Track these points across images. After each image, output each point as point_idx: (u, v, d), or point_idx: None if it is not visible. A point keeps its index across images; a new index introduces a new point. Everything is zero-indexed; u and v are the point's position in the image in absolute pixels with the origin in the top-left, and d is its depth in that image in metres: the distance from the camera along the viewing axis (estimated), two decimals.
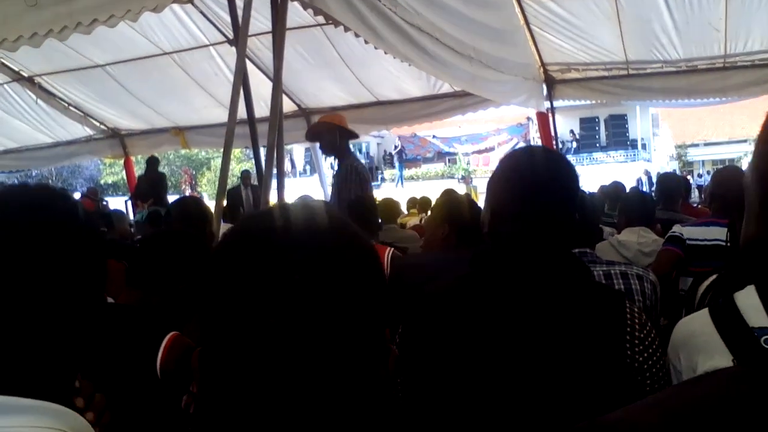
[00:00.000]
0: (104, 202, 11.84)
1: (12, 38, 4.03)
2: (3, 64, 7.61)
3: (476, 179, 19.86)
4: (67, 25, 3.91)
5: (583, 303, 1.37)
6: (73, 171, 28.91)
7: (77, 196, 13.68)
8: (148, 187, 10.15)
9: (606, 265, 2.41)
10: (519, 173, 1.48)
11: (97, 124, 9.38)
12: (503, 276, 1.42)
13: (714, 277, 2.07)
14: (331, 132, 4.99)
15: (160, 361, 1.92)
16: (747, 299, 1.39)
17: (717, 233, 3.22)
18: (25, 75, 8.05)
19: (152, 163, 10.83)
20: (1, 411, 0.79)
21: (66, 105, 8.74)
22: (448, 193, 6.50)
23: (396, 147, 26.07)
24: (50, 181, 24.92)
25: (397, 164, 25.99)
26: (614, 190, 7.01)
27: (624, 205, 3.98)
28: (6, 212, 0.88)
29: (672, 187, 4.95)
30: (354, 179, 4.83)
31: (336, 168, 5.07)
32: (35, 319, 0.87)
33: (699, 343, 1.44)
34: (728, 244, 1.69)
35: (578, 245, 2.40)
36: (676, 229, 3.43)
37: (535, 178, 1.45)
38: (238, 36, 4.41)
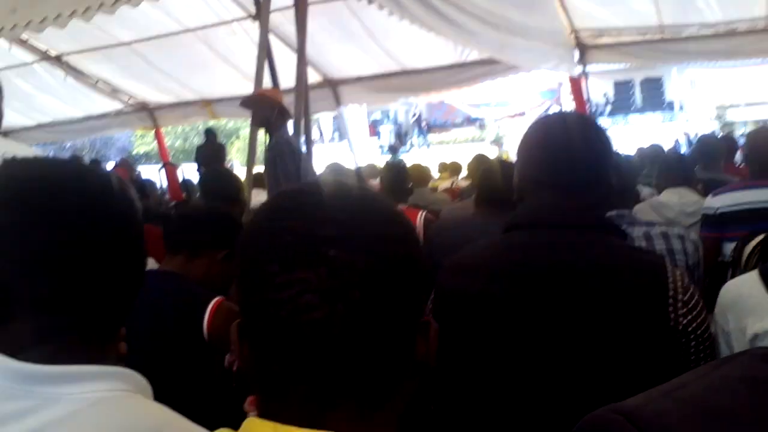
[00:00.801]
0: (137, 172, 11.99)
1: (38, 19, 4.07)
2: (30, 44, 7.64)
3: (507, 143, 19.63)
4: (90, 6, 3.93)
5: (622, 268, 1.33)
6: (106, 142, 29.24)
7: (111, 165, 13.90)
8: (212, 154, 10.20)
9: (645, 226, 2.37)
10: (549, 139, 1.47)
11: (126, 98, 9.44)
12: (537, 244, 1.40)
13: (761, 237, 2.05)
14: (267, 107, 4.73)
15: (207, 325, 1.98)
16: None
17: (752, 196, 3.15)
18: (53, 54, 8.10)
19: (211, 134, 10.89)
20: (73, 379, 0.84)
21: (94, 81, 8.80)
22: (479, 158, 6.48)
23: (414, 115, 25.86)
24: (84, 152, 25.31)
25: (416, 130, 25.82)
26: (653, 152, 6.86)
27: (663, 167, 3.92)
28: (42, 191, 0.90)
29: (712, 147, 4.85)
30: (286, 150, 4.60)
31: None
32: (90, 290, 0.91)
33: (748, 305, 1.43)
34: None
35: (616, 207, 2.36)
36: (708, 202, 3.35)
37: (566, 143, 1.43)
38: (261, 12, 4.37)
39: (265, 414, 0.72)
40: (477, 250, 1.50)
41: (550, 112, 22.62)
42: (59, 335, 0.88)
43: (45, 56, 8.09)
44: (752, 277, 1.47)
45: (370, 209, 0.75)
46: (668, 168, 3.86)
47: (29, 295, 0.87)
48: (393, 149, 13.53)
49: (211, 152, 10.42)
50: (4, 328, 0.88)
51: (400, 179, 4.20)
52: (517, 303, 1.34)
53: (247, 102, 4.97)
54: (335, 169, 6.55)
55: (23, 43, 7.36)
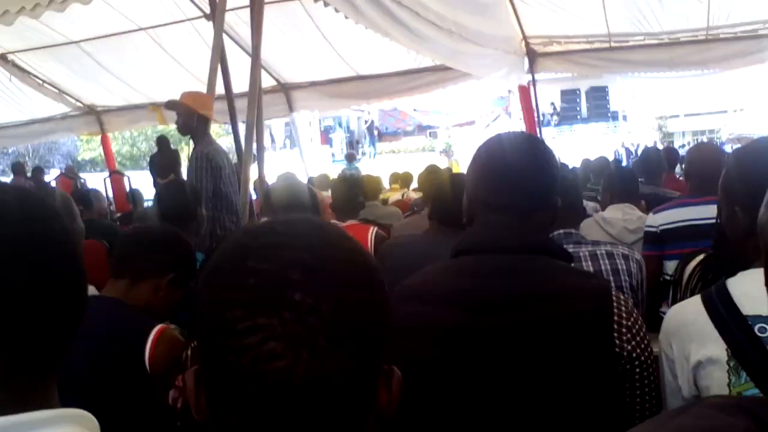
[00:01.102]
0: (82, 180, 11.70)
1: None
2: None
3: (457, 152, 19.83)
4: (39, 3, 3.83)
5: (568, 294, 1.34)
6: (50, 148, 28.49)
7: (55, 173, 13.54)
8: (168, 163, 9.92)
9: (591, 246, 2.39)
10: (496, 161, 1.47)
11: (73, 101, 9.23)
12: (484, 270, 1.39)
13: (701, 257, 2.06)
14: (188, 114, 4.48)
15: (149, 355, 1.87)
16: (740, 286, 1.38)
17: (693, 213, 3.21)
18: None
19: (164, 141, 10.62)
20: (29, 428, 0.77)
21: (40, 82, 8.58)
22: (431, 170, 6.53)
23: (366, 122, 25.89)
24: (27, 158, 24.59)
25: (367, 138, 25.83)
26: (599, 164, 7.02)
27: (608, 183, 3.97)
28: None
29: (653, 162, 4.97)
30: (204, 166, 4.29)
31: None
32: (31, 328, 0.81)
33: (692, 332, 1.43)
34: (718, 220, 1.68)
35: (563, 226, 2.38)
36: (649, 220, 3.42)
37: (513, 166, 1.43)
38: (215, 11, 4.35)
39: None
40: (427, 276, 1.48)
41: (500, 120, 22.83)
42: (5, 381, 0.80)
43: None
44: (695, 303, 1.46)
45: (336, 251, 0.71)
46: (612, 183, 3.91)
47: None
48: (350, 157, 13.42)
49: (165, 161, 10.05)
50: None
51: (353, 193, 4.17)
52: (465, 331, 1.33)
53: (171, 105, 4.86)
54: (287, 178, 6.51)
55: None
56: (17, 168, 10.95)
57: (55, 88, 8.84)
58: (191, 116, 4.36)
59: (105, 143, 10.65)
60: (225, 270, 0.69)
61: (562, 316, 1.30)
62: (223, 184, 4.38)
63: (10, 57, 8.01)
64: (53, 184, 10.61)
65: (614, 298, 1.34)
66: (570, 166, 8.28)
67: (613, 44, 7.24)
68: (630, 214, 3.65)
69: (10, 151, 24.41)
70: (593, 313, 1.31)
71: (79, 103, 9.34)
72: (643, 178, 4.58)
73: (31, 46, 7.64)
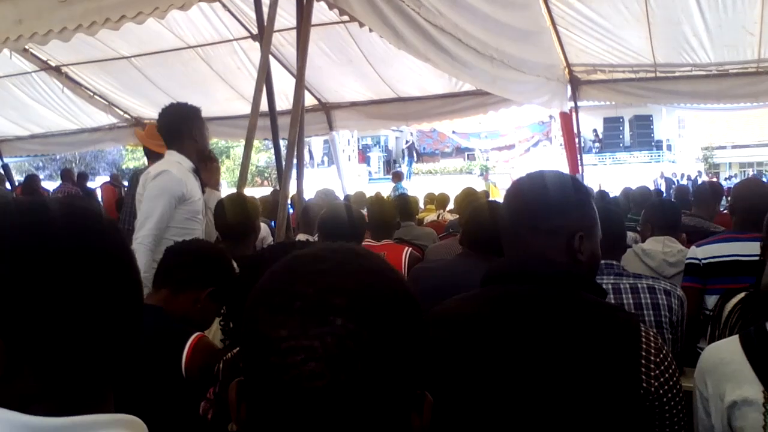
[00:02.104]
0: (126, 188, 11.95)
1: (42, 32, 4.10)
2: (32, 53, 7.68)
3: (495, 175, 19.75)
4: (95, 21, 3.95)
5: (595, 327, 1.34)
6: (96, 156, 29.18)
7: (100, 181, 13.84)
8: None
9: (633, 278, 2.38)
10: (527, 194, 1.50)
11: (121, 112, 9.47)
12: (512, 300, 1.40)
13: (742, 295, 2.04)
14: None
15: (185, 361, 1.96)
16: None
17: (736, 249, 3.16)
18: (53, 65, 8.15)
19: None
20: (82, 430, 0.82)
21: (91, 94, 8.84)
22: (468, 193, 6.53)
23: (407, 142, 25.87)
24: (74, 164, 25.19)
25: (406, 159, 25.79)
26: (641, 194, 6.91)
27: (649, 214, 3.91)
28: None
29: (707, 195, 4.94)
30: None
31: None
32: (91, 335, 0.87)
33: (728, 371, 1.42)
34: (762, 258, 1.67)
35: (605, 257, 2.38)
36: (691, 253, 3.37)
37: (542, 198, 1.46)
38: (263, 33, 4.44)
39: None
40: (455, 303, 1.50)
41: (540, 145, 22.68)
42: (64, 384, 0.85)
43: (45, 66, 8.14)
44: (733, 342, 1.46)
45: (379, 280, 0.75)
46: (653, 215, 3.86)
47: (33, 348, 0.83)
48: (396, 177, 13.02)
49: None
50: (9, 382, 0.83)
51: (389, 214, 4.20)
52: (489, 362, 1.35)
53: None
54: (326, 194, 6.61)
55: (24, 52, 7.41)
56: (65, 174, 11.24)
57: (105, 100, 9.09)
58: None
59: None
60: (273, 292, 0.74)
61: (586, 349, 1.30)
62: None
63: (64, 69, 8.27)
64: (98, 191, 10.88)
65: (643, 334, 1.33)
66: (611, 195, 8.22)
67: (659, 74, 7.16)
68: (670, 246, 3.60)
69: (58, 157, 25.06)
70: (620, 346, 1.31)
71: (126, 115, 9.58)
72: (687, 212, 4.53)
73: (84, 60, 7.88)
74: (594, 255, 1.49)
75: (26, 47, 7.08)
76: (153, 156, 4.43)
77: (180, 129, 3.58)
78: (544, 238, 1.44)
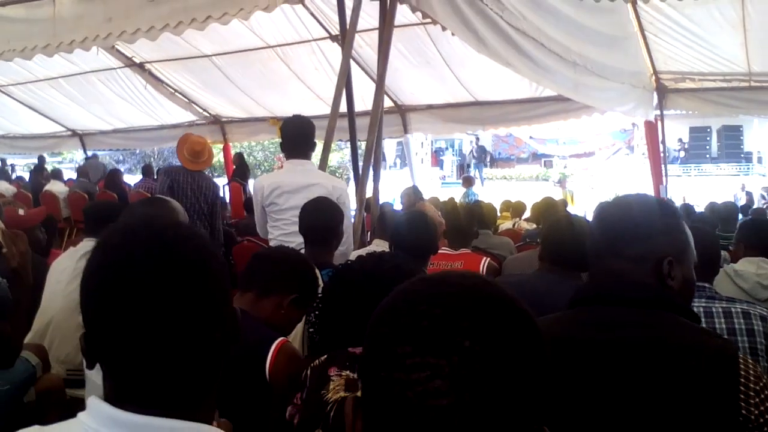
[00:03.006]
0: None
1: (131, 31, 4.21)
2: (117, 50, 7.91)
3: (573, 183, 19.26)
4: (182, 21, 4.04)
5: (690, 353, 1.28)
6: (173, 151, 30.01)
7: None
8: (239, 173, 10.92)
9: (726, 302, 2.27)
10: (618, 214, 1.48)
11: (200, 110, 9.69)
12: (603, 322, 1.36)
13: None
14: None
15: (269, 365, 1.98)
16: None
17: None
18: (137, 61, 8.38)
19: (240, 156, 11.56)
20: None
21: (172, 91, 9.07)
22: (548, 203, 6.37)
23: (472, 145, 25.37)
24: (152, 159, 25.99)
25: (473, 163, 25.41)
26: (727, 210, 6.56)
27: (743, 233, 3.69)
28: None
29: None
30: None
31: None
32: (191, 347, 0.94)
33: None
34: None
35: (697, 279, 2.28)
36: None
37: (633, 220, 1.44)
38: (345, 35, 4.43)
39: None
40: (546, 324, 1.42)
41: (620, 153, 21.93)
42: (157, 387, 0.91)
43: (130, 62, 8.38)
44: None
45: (504, 307, 0.76)
46: (747, 234, 3.64)
47: (139, 352, 0.90)
48: (467, 182, 12.84)
49: (238, 172, 11.01)
50: (113, 381, 0.93)
51: (468, 222, 4.12)
52: (580, 384, 1.32)
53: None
54: (414, 192, 6.59)
55: (110, 49, 7.62)
56: (146, 170, 11.57)
57: (185, 97, 9.32)
58: None
59: (226, 152, 11.09)
60: (400, 311, 0.75)
61: (681, 375, 1.26)
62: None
63: (148, 66, 8.51)
64: (225, 189, 11.13)
65: (741, 361, 1.27)
66: (696, 209, 7.88)
67: (753, 83, 6.82)
68: (765, 268, 3.38)
69: (137, 151, 25.89)
70: (716, 373, 1.26)
71: (205, 113, 9.81)
72: None
73: (167, 57, 8.08)
74: (687, 280, 1.44)
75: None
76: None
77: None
78: (630, 264, 1.40)
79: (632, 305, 1.36)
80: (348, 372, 1.74)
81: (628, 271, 1.40)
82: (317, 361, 1.83)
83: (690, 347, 1.29)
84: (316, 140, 3.85)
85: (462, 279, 0.78)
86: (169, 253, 0.93)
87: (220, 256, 1.02)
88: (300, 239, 3.29)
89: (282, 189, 3.70)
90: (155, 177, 11.28)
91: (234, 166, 11.36)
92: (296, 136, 3.75)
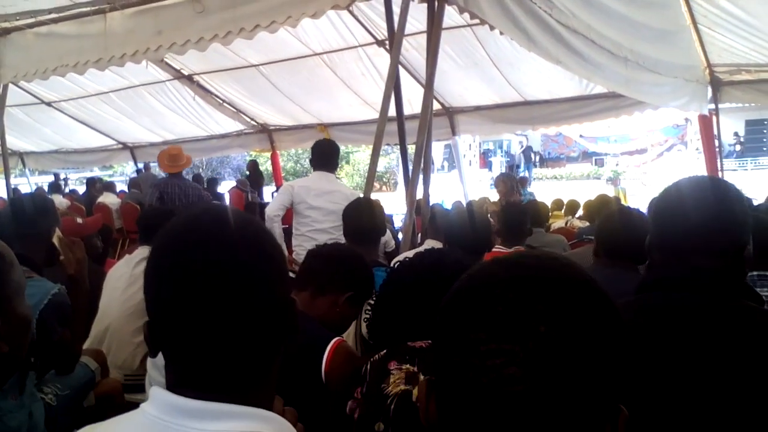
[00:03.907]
0: (253, 192, 12.36)
1: (180, 42, 4.26)
2: (167, 63, 8.04)
3: (626, 181, 18.86)
4: (231, 31, 4.08)
5: (763, 336, 1.28)
6: (222, 161, 30.46)
7: (226, 185, 14.42)
8: (254, 181, 11.45)
9: None
10: (683, 202, 1.46)
11: (248, 119, 9.78)
12: (672, 307, 1.37)
13: None
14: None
15: (326, 365, 1.99)
16: None
17: None
18: (186, 73, 8.51)
19: (254, 163, 11.99)
20: (218, 416, 0.91)
21: (220, 102, 9.17)
22: (602, 200, 6.25)
23: (522, 146, 25.19)
24: (200, 169, 26.45)
25: (522, 164, 25.17)
26: None
27: None
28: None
29: None
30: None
31: None
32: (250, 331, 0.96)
33: None
34: None
35: (756, 267, 2.28)
36: None
37: (705, 209, 1.41)
38: (393, 39, 4.41)
39: None
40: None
41: (674, 149, 21.50)
42: (216, 372, 0.94)
43: (178, 75, 8.51)
44: None
45: (582, 291, 0.74)
46: None
47: (198, 336, 0.93)
48: (522, 182, 12.60)
49: (252, 180, 11.45)
50: (173, 367, 0.96)
51: (521, 220, 4.11)
52: (653, 367, 1.29)
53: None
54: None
55: (159, 62, 7.78)
56: (196, 179, 11.77)
57: (233, 107, 9.41)
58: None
59: (274, 160, 11.17)
60: (473, 294, 0.74)
61: (752, 357, 1.25)
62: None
63: (196, 78, 8.62)
64: (226, 195, 11.30)
65: None
66: (754, 203, 7.62)
67: None
68: None
69: None
70: None
71: (253, 122, 9.89)
72: None
73: (214, 69, 8.18)
74: (747, 260, 1.46)
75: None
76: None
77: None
78: (713, 260, 1.39)
79: (703, 291, 1.35)
80: (408, 365, 1.76)
81: (711, 267, 1.38)
82: (377, 355, 1.86)
83: (762, 330, 1.29)
84: (365, 145, 4.15)
85: (538, 261, 0.76)
86: (231, 236, 0.95)
87: (277, 242, 1.04)
88: (324, 236, 3.97)
89: (311, 190, 4.56)
90: (204, 186, 11.51)
91: (248, 173, 11.74)
92: (323, 153, 4.76)
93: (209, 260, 0.92)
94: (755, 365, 1.25)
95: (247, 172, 12.23)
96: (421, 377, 1.71)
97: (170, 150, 7.23)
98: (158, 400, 0.94)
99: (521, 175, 15.13)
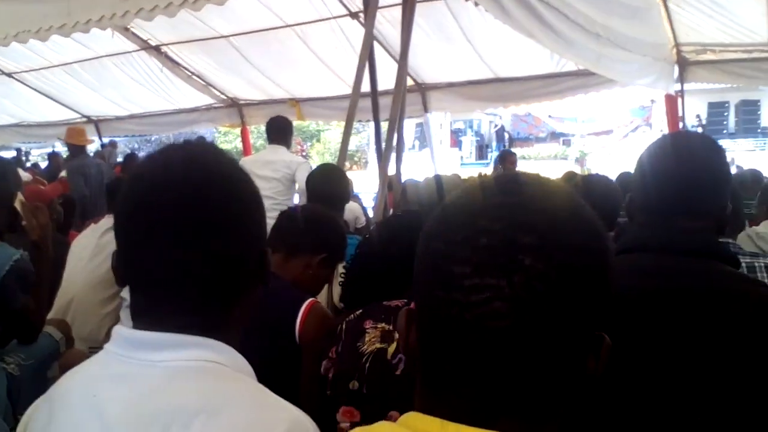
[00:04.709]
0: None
1: (148, 8, 4.15)
2: (133, 33, 7.84)
3: (592, 162, 19.10)
4: None
5: (740, 297, 1.30)
6: (189, 138, 30.11)
7: None
8: None
9: (750, 257, 2.31)
10: (664, 162, 1.46)
11: (218, 93, 9.59)
12: (650, 268, 1.37)
13: None
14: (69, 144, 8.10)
15: (299, 327, 1.99)
16: None
17: None
18: (153, 44, 8.29)
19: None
20: (165, 346, 0.93)
21: (189, 74, 8.97)
22: (570, 179, 6.30)
23: (495, 126, 25.28)
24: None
25: (494, 144, 25.21)
26: (752, 177, 6.46)
27: (763, 196, 3.77)
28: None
29: None
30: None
31: None
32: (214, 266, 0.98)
33: None
34: None
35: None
36: None
37: (681, 167, 1.41)
38: (368, 12, 4.37)
39: (425, 409, 0.72)
40: None
41: (639, 130, 21.81)
42: (171, 309, 0.96)
43: (145, 45, 8.29)
44: None
45: (571, 218, 0.72)
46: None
47: (154, 265, 0.96)
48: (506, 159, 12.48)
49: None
50: (133, 299, 1.00)
51: None
52: (631, 328, 1.29)
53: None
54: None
55: (125, 31, 7.54)
56: None
57: (202, 80, 9.20)
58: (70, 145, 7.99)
59: (244, 135, 11.03)
60: (455, 226, 0.71)
61: (732, 322, 1.26)
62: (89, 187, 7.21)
63: (164, 49, 8.40)
64: None
65: None
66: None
67: None
68: None
69: (153, 138, 25.94)
70: (765, 318, 1.27)
71: (223, 96, 9.70)
72: None
73: (183, 39, 7.99)
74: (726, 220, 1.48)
75: (127, 26, 7.23)
76: (74, 150, 8.04)
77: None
78: (698, 221, 1.40)
79: (681, 253, 1.36)
80: (383, 324, 1.79)
81: (696, 228, 1.39)
82: (352, 315, 1.87)
83: (740, 294, 1.31)
84: (336, 121, 4.30)
85: (524, 188, 0.73)
86: (197, 178, 0.97)
87: (252, 189, 1.06)
88: (268, 202, 4.00)
89: (256, 162, 5.28)
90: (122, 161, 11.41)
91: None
92: (275, 128, 5.53)
93: (170, 199, 0.95)
94: (733, 333, 1.26)
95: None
96: (396, 336, 1.71)
97: (73, 128, 8.39)
98: (116, 335, 0.98)
99: (501, 152, 15.15)
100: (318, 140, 28.73)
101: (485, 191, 0.74)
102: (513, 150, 25.22)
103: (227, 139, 29.83)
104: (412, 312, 0.77)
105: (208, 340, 0.94)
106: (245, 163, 4.87)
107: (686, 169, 1.41)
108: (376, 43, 6.84)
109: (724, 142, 21.88)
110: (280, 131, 5.46)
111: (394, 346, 1.66)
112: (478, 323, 0.67)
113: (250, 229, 1.03)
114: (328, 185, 3.42)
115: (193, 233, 0.95)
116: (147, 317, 0.96)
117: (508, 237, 0.67)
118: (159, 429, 0.87)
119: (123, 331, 0.97)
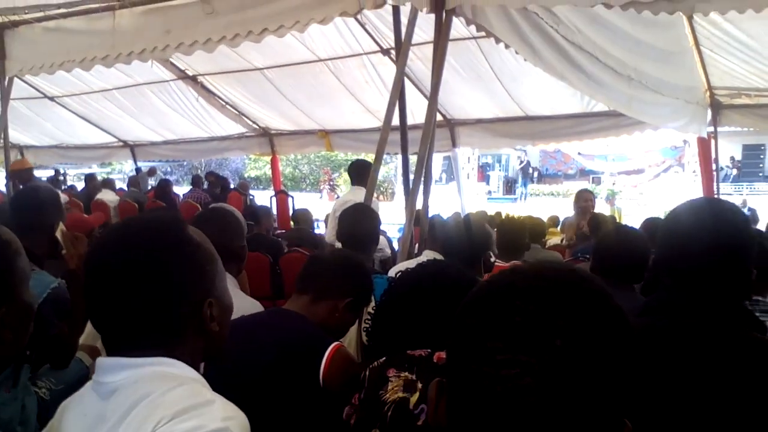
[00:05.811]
0: (251, 197, 12.34)
1: (188, 42, 4.29)
2: (171, 63, 8.06)
3: (621, 201, 18.90)
4: (239, 33, 4.10)
5: (760, 365, 1.29)
6: (221, 163, 30.47)
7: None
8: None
9: None
10: (685, 227, 1.48)
11: (250, 122, 9.78)
12: (672, 331, 1.39)
13: None
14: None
15: (324, 369, 1.97)
16: None
17: None
18: (190, 74, 8.53)
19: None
20: (121, 368, 1.14)
21: (223, 103, 9.18)
22: (597, 218, 6.26)
23: (521, 162, 25.28)
24: (199, 171, 26.45)
25: (520, 179, 25.17)
26: None
27: None
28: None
29: None
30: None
31: None
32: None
33: None
34: None
35: (753, 293, 2.28)
36: None
37: (700, 233, 1.44)
38: (399, 48, 4.44)
39: None
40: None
41: (671, 171, 21.52)
42: (123, 336, 1.17)
43: (183, 75, 8.53)
44: None
45: (600, 306, 0.75)
46: None
47: (105, 312, 1.20)
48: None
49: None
50: (102, 338, 1.22)
51: (519, 235, 4.11)
52: (651, 390, 1.29)
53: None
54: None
55: (164, 61, 7.77)
56: (195, 180, 11.81)
57: (235, 109, 9.42)
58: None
59: (274, 164, 11.18)
60: (491, 302, 0.75)
61: (748, 386, 1.27)
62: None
63: (200, 79, 8.64)
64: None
65: None
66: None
67: None
68: None
69: (185, 163, 26.33)
70: None
71: (255, 125, 9.90)
72: None
73: (219, 70, 8.20)
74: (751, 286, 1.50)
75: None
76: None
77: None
78: (721, 283, 1.42)
79: (705, 317, 1.38)
80: (407, 373, 1.75)
81: (718, 290, 1.40)
82: (376, 362, 1.85)
83: (761, 360, 1.31)
84: (365, 153, 4.24)
85: (557, 273, 0.77)
86: (130, 242, 1.20)
87: (191, 244, 1.24)
88: None
89: (344, 204, 4.84)
90: (204, 187, 11.52)
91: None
92: (357, 170, 5.79)
93: (105, 262, 1.19)
94: (756, 399, 1.26)
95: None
96: (419, 386, 1.71)
97: (17, 162, 8.95)
98: (96, 366, 1.20)
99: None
100: (346, 170, 28.83)
101: (522, 275, 0.78)
102: (542, 185, 25.35)
103: (257, 166, 30.11)
104: (442, 384, 0.80)
105: (162, 359, 1.15)
106: (336, 205, 5.45)
107: (718, 237, 1.42)
108: (406, 79, 6.95)
109: (759, 185, 21.72)
110: (360, 174, 5.69)
111: (417, 396, 1.66)
112: (507, 397, 0.70)
113: (172, 289, 1.21)
114: (360, 226, 3.42)
115: (124, 292, 1.16)
116: (112, 346, 1.19)
117: (542, 318, 0.71)
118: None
119: (98, 361, 1.19)
